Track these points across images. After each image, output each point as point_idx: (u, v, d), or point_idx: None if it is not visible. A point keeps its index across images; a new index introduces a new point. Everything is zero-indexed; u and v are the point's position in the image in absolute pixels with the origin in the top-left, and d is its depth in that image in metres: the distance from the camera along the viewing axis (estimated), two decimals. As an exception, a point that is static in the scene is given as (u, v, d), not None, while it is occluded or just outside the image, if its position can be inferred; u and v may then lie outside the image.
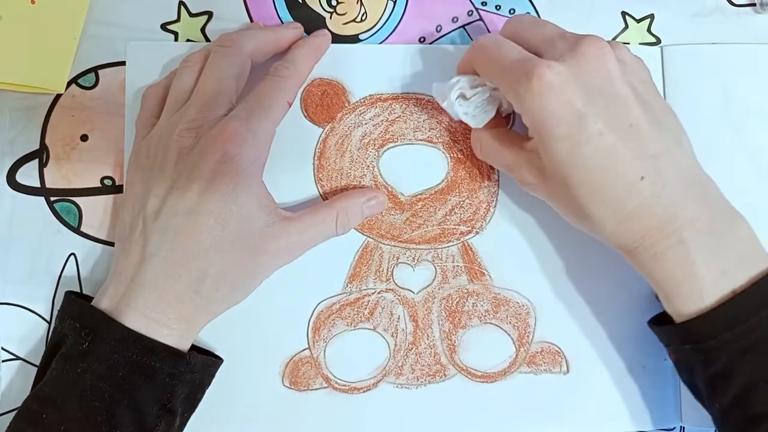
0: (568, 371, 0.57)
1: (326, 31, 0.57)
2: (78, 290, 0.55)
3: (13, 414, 0.47)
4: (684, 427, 0.57)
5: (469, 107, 0.52)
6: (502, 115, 0.55)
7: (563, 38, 0.49)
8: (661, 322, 0.51)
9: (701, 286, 0.46)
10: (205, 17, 0.57)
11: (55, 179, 0.56)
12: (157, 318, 0.47)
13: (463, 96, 0.52)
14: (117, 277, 0.49)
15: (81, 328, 0.47)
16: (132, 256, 0.49)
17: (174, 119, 0.51)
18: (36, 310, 0.55)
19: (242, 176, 0.48)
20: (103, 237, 0.56)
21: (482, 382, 0.56)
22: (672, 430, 0.57)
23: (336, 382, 0.56)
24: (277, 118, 0.52)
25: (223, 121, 0.49)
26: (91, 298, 0.50)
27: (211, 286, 0.48)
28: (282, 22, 0.58)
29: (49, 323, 0.55)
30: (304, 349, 0.56)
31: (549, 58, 0.48)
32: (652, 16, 0.60)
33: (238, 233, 0.48)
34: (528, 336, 0.57)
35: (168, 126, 0.51)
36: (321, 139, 0.57)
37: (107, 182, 0.56)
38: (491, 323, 0.57)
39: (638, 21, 0.60)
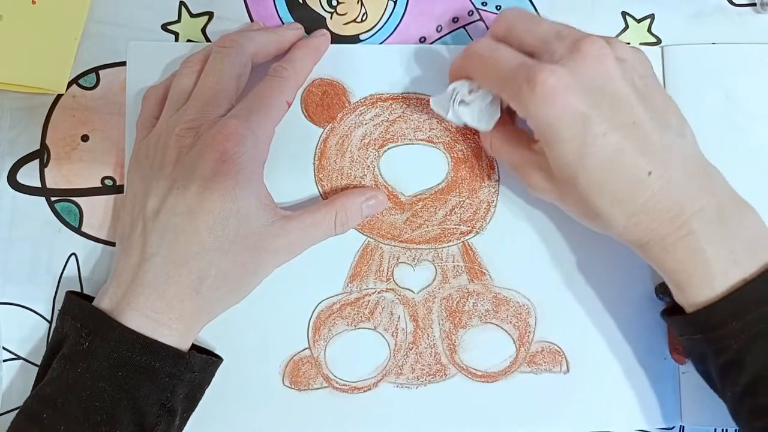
0: (568, 371, 0.57)
1: (326, 31, 0.57)
2: (79, 290, 0.55)
3: (14, 414, 0.47)
4: (683, 426, 0.57)
5: (473, 112, 0.52)
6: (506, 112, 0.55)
7: (560, 38, 0.49)
8: (672, 312, 0.51)
9: (712, 276, 0.47)
10: (205, 18, 0.57)
11: (55, 179, 0.56)
12: (157, 318, 0.47)
13: (463, 102, 0.52)
14: (117, 278, 0.49)
15: (81, 328, 0.47)
16: (132, 257, 0.49)
17: (174, 119, 0.51)
18: (37, 310, 0.55)
19: (241, 175, 0.48)
20: (103, 237, 0.56)
21: (482, 381, 0.56)
22: (672, 429, 0.57)
23: (336, 382, 0.56)
24: (276, 118, 0.52)
25: (222, 121, 0.49)
26: (92, 298, 0.50)
27: (212, 285, 0.48)
28: (282, 23, 0.58)
29: (50, 323, 0.55)
30: (304, 349, 0.56)
31: (547, 60, 0.48)
32: (652, 16, 0.60)
33: (238, 232, 0.48)
34: (528, 336, 0.57)
35: (168, 126, 0.51)
36: (321, 139, 0.57)
37: (108, 182, 0.56)
38: (491, 323, 0.57)
39: (638, 21, 0.59)
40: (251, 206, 0.49)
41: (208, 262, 0.48)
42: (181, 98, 0.52)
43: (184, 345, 0.49)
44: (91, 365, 0.46)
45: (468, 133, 0.57)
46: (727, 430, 0.57)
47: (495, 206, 0.57)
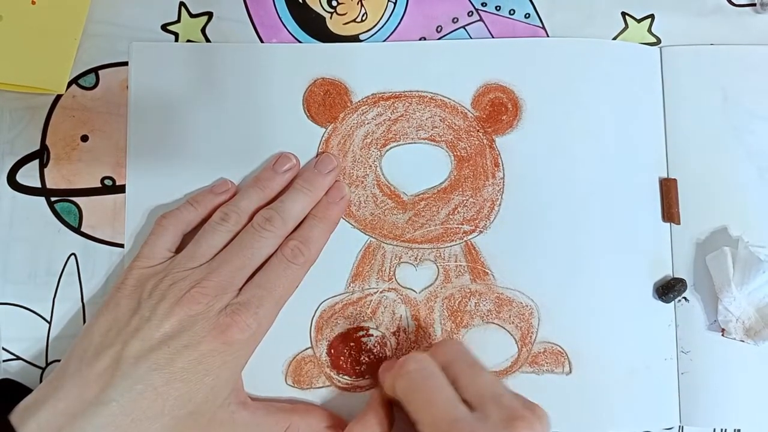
0: (570, 372, 0.56)
1: (344, 190, 0.56)
2: (78, 289, 0.55)
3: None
4: (683, 427, 0.57)
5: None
6: None
7: (497, 404, 0.46)
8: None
9: None
10: (205, 18, 0.57)
11: (55, 179, 0.55)
12: None
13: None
14: (57, 403, 0.45)
15: None
16: (87, 390, 0.45)
17: (193, 275, 0.50)
18: (36, 310, 0.55)
19: (233, 357, 0.48)
20: (103, 237, 0.55)
21: (485, 381, 0.56)
22: (671, 429, 0.57)
23: (339, 381, 0.55)
24: (283, 304, 0.52)
25: (237, 309, 0.48)
26: (21, 388, 0.49)
27: None
28: (283, 23, 0.58)
29: (50, 323, 0.55)
30: (306, 348, 0.55)
31: (479, 417, 0.45)
32: (652, 17, 0.60)
33: (199, 407, 0.47)
34: (531, 336, 0.57)
35: (185, 277, 0.50)
36: (323, 139, 0.57)
37: (107, 182, 0.56)
38: (494, 323, 0.56)
39: (638, 21, 0.60)
40: (225, 386, 0.49)
41: (159, 427, 0.46)
42: (209, 253, 0.51)
43: None
44: None
45: (471, 130, 0.57)
46: (726, 430, 0.57)
47: (500, 205, 0.57)
